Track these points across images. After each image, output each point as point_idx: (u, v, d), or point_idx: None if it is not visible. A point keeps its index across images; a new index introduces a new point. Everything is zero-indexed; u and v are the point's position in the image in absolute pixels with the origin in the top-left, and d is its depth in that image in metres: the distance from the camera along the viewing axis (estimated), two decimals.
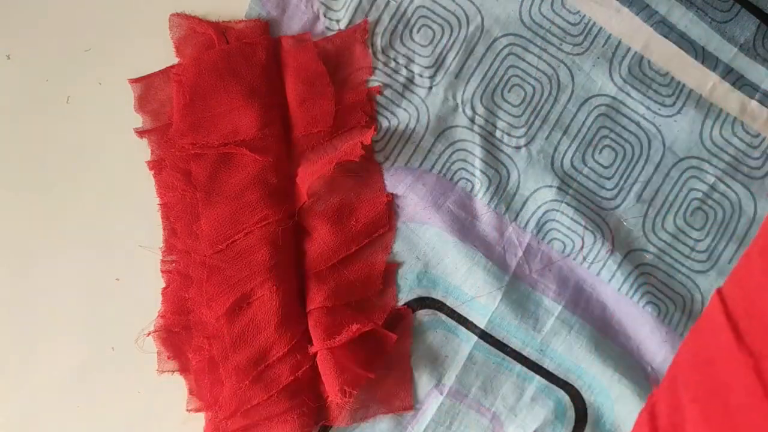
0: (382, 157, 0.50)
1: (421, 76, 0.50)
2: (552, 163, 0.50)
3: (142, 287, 0.49)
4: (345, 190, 0.49)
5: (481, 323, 0.49)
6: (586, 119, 0.50)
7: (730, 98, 0.50)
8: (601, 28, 0.50)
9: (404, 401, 0.48)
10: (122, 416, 0.49)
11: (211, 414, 0.47)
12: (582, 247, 0.50)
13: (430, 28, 0.50)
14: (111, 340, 0.49)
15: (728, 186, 0.50)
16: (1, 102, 0.50)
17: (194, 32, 0.50)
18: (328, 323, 0.47)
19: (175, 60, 0.50)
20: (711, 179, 0.50)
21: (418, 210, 0.50)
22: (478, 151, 0.50)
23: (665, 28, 0.50)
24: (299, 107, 0.49)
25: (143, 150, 0.50)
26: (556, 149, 0.50)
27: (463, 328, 0.49)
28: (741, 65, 0.50)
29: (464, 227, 0.50)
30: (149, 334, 0.48)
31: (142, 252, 0.49)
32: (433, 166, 0.50)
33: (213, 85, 0.48)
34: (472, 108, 0.50)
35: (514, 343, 0.49)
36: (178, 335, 0.48)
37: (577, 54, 0.50)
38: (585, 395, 0.49)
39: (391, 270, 0.49)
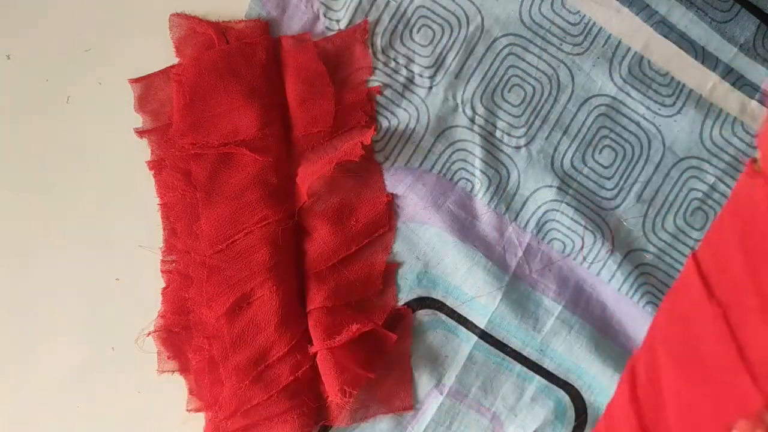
0: (382, 157, 0.50)
1: (421, 76, 0.50)
2: (552, 163, 0.50)
3: (142, 287, 0.49)
4: (345, 190, 0.49)
5: (481, 323, 0.49)
6: (586, 119, 0.50)
7: (730, 98, 0.50)
8: (601, 28, 0.50)
9: (404, 401, 0.49)
10: (122, 416, 0.49)
11: (211, 414, 0.47)
12: (582, 247, 0.50)
13: (430, 28, 0.50)
14: (111, 340, 0.49)
15: (728, 186, 0.50)
16: (1, 102, 0.50)
17: (194, 32, 0.50)
18: (328, 323, 0.47)
19: (175, 60, 0.50)
20: (711, 179, 0.50)
21: (418, 210, 0.50)
22: (478, 151, 0.50)
23: (665, 28, 0.50)
24: (299, 107, 0.49)
25: (143, 150, 0.50)
26: (556, 149, 0.50)
27: (463, 328, 0.49)
28: (741, 65, 0.50)
29: (464, 227, 0.50)
30: (149, 334, 0.48)
31: (142, 252, 0.49)
32: (433, 166, 0.50)
33: (213, 85, 0.48)
34: (472, 108, 0.50)
35: (514, 343, 0.49)
36: (178, 335, 0.48)
37: (577, 54, 0.50)
38: (585, 395, 0.49)
39: (391, 270, 0.49)
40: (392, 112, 0.50)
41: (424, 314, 0.49)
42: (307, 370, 0.47)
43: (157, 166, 0.49)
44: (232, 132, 0.48)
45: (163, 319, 0.48)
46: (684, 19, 0.50)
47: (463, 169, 0.50)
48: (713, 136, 0.50)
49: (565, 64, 0.50)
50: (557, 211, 0.50)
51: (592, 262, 0.50)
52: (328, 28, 0.50)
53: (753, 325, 0.21)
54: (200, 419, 0.48)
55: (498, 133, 0.50)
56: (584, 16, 0.50)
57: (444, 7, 0.50)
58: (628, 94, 0.50)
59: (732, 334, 0.21)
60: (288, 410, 0.46)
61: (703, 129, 0.50)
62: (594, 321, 0.49)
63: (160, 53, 0.49)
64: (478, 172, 0.50)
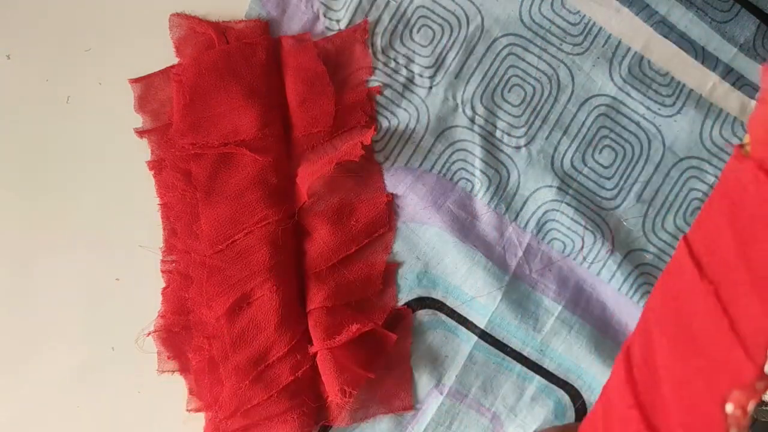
0: (382, 157, 0.50)
1: (421, 76, 0.50)
2: (552, 163, 0.50)
3: (142, 287, 0.49)
4: (345, 190, 0.49)
5: (481, 323, 0.49)
6: (586, 119, 0.50)
7: (730, 98, 0.50)
8: (601, 28, 0.50)
9: (404, 401, 0.48)
10: (122, 416, 0.49)
11: (211, 414, 0.47)
12: (582, 247, 0.50)
13: (430, 28, 0.50)
14: (111, 340, 0.49)
15: None
16: (1, 102, 0.50)
17: (194, 32, 0.50)
18: (328, 323, 0.47)
19: (175, 60, 0.50)
20: (711, 179, 0.50)
21: (418, 210, 0.50)
22: (478, 151, 0.50)
23: (665, 28, 0.50)
24: (299, 107, 0.49)
25: (143, 150, 0.50)
26: (556, 149, 0.50)
27: (463, 328, 0.49)
28: (741, 65, 0.50)
29: (464, 227, 0.50)
30: (149, 334, 0.48)
31: (142, 252, 0.49)
32: (433, 166, 0.50)
33: (213, 85, 0.48)
34: (472, 108, 0.50)
35: (514, 343, 0.49)
36: (178, 335, 0.48)
37: (577, 54, 0.50)
38: (585, 395, 0.49)
39: (391, 270, 0.49)
40: (392, 112, 0.50)
41: (424, 314, 0.49)
42: (307, 370, 0.47)
43: (157, 166, 0.49)
44: (232, 132, 0.48)
45: (163, 319, 0.48)
46: (684, 19, 0.50)
47: (463, 169, 0.50)
48: (713, 136, 0.50)
49: (565, 64, 0.50)
50: (557, 211, 0.50)
51: (592, 262, 0.50)
52: (328, 28, 0.50)
53: (744, 299, 0.21)
54: (200, 419, 0.48)
55: (498, 133, 0.50)
56: (584, 16, 0.50)
57: (444, 7, 0.50)
58: (628, 94, 0.50)
59: (724, 309, 0.21)
60: (288, 410, 0.46)
61: (703, 129, 0.50)
62: (594, 321, 0.49)
63: (160, 53, 0.49)
64: (478, 172, 0.50)
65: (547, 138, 0.50)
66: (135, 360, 0.48)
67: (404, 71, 0.50)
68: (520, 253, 0.50)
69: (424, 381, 0.49)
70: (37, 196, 0.50)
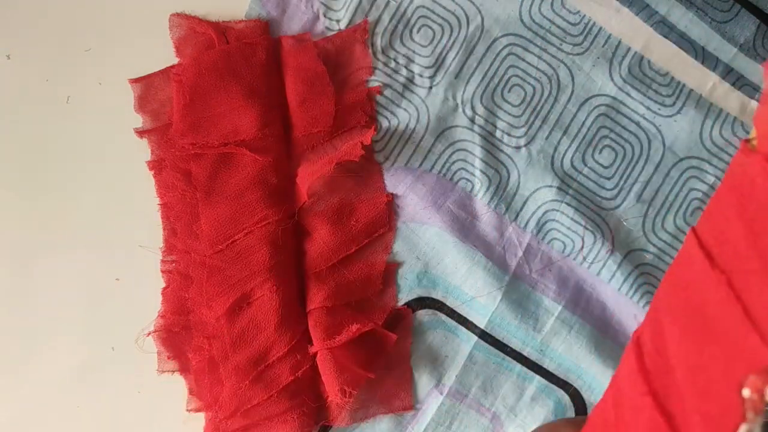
0: (382, 157, 0.50)
1: (421, 76, 0.50)
2: (552, 163, 0.50)
3: (142, 287, 0.49)
4: (345, 190, 0.49)
5: (481, 323, 0.49)
6: (586, 119, 0.50)
7: (730, 98, 0.50)
8: (601, 28, 0.50)
9: (404, 401, 0.48)
10: (122, 416, 0.49)
11: (211, 414, 0.47)
12: (582, 247, 0.50)
13: (430, 28, 0.50)
14: (111, 340, 0.49)
15: None
16: (1, 102, 0.50)
17: (194, 32, 0.50)
18: (328, 323, 0.47)
19: (175, 60, 0.50)
20: (711, 179, 0.50)
21: (418, 210, 0.50)
22: (478, 151, 0.50)
23: (665, 28, 0.50)
24: (299, 107, 0.49)
25: (143, 150, 0.50)
26: (556, 149, 0.50)
27: (463, 328, 0.49)
28: (741, 65, 0.50)
29: (464, 227, 0.50)
30: (149, 334, 0.48)
31: (142, 252, 0.49)
32: (433, 166, 0.50)
33: (213, 85, 0.48)
34: (472, 108, 0.50)
35: (514, 343, 0.49)
36: (178, 335, 0.48)
37: (577, 54, 0.50)
38: (585, 395, 0.49)
39: (391, 270, 0.49)
40: (392, 112, 0.50)
41: (424, 314, 0.49)
42: (307, 370, 0.47)
43: (157, 166, 0.49)
44: (232, 132, 0.48)
45: (163, 319, 0.48)
46: (684, 19, 0.50)
47: (463, 169, 0.50)
48: (713, 136, 0.50)
49: (565, 64, 0.50)
50: (557, 211, 0.50)
51: (592, 262, 0.50)
52: (328, 28, 0.50)
53: (757, 286, 0.22)
54: (200, 419, 0.48)
55: (498, 133, 0.50)
56: (584, 16, 0.50)
57: (444, 7, 0.50)
58: (628, 94, 0.50)
59: (737, 297, 0.22)
60: (288, 410, 0.46)
61: (703, 129, 0.50)
62: (594, 321, 0.49)
63: (160, 53, 0.49)
64: (478, 172, 0.50)
65: (547, 138, 0.50)
66: (135, 360, 0.48)
67: (404, 71, 0.50)
68: (520, 253, 0.50)
69: (424, 381, 0.49)
70: (37, 196, 0.50)
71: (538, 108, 0.50)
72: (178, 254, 0.49)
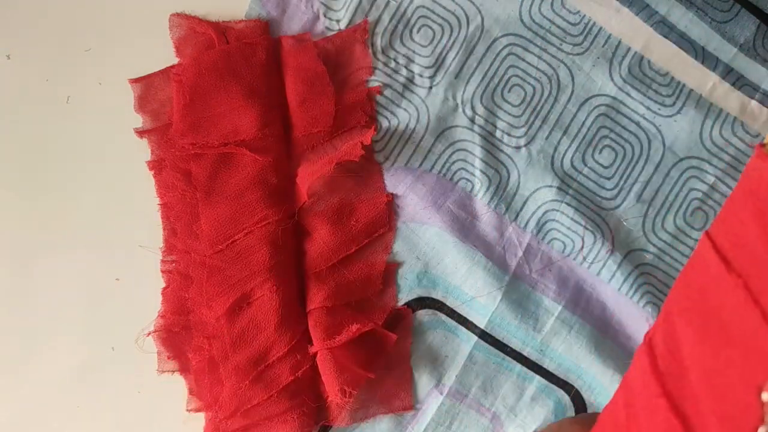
0: (382, 157, 0.50)
1: (421, 76, 0.50)
2: (552, 163, 0.50)
3: (142, 287, 0.49)
4: (345, 190, 0.49)
5: (481, 323, 0.49)
6: (586, 119, 0.50)
7: (730, 98, 0.50)
8: (601, 28, 0.50)
9: (404, 401, 0.48)
10: (122, 416, 0.49)
11: (211, 414, 0.47)
12: (582, 247, 0.50)
13: (430, 28, 0.50)
14: (111, 340, 0.49)
15: (728, 186, 0.50)
16: (1, 102, 0.50)
17: (194, 32, 0.50)
18: (328, 323, 0.47)
19: (175, 60, 0.50)
20: (711, 179, 0.50)
21: (418, 210, 0.50)
22: (478, 151, 0.50)
23: (665, 28, 0.50)
24: (299, 107, 0.49)
25: (143, 150, 0.50)
26: (556, 149, 0.50)
27: (463, 328, 0.49)
28: (741, 65, 0.50)
29: (464, 227, 0.50)
30: (149, 334, 0.48)
31: (142, 252, 0.49)
32: (433, 166, 0.50)
33: (213, 85, 0.48)
34: (472, 108, 0.50)
35: (514, 343, 0.49)
36: (178, 335, 0.48)
37: (577, 54, 0.50)
38: (585, 395, 0.49)
39: (391, 270, 0.49)
40: (392, 112, 0.50)
41: (424, 314, 0.49)
42: (307, 370, 0.47)
43: (157, 166, 0.49)
44: (232, 132, 0.48)
45: (163, 319, 0.48)
46: (684, 19, 0.50)
47: (463, 169, 0.50)
48: (713, 136, 0.50)
49: (565, 64, 0.50)
50: (557, 211, 0.50)
51: (592, 262, 0.50)
52: (328, 28, 0.50)
53: None
54: (200, 419, 0.48)
55: (498, 133, 0.50)
56: (584, 16, 0.50)
57: (444, 7, 0.50)
58: (628, 94, 0.50)
59: (755, 301, 0.22)
60: (288, 410, 0.46)
61: (703, 129, 0.50)
62: (594, 321, 0.49)
63: (160, 53, 0.49)
64: (478, 172, 0.50)
65: (547, 138, 0.50)
66: (135, 360, 0.48)
67: (404, 71, 0.50)
68: (520, 253, 0.50)
69: (424, 381, 0.49)
70: (37, 196, 0.50)
71: (538, 108, 0.50)
72: (178, 254, 0.49)
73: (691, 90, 0.50)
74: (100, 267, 0.49)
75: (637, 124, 0.50)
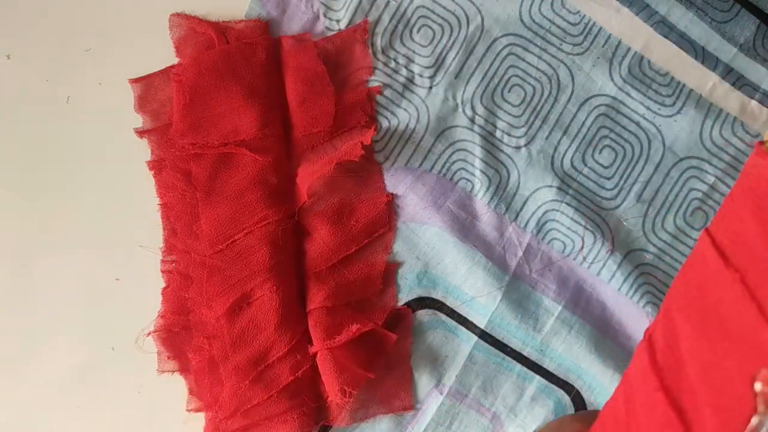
0: (382, 157, 0.50)
1: (421, 76, 0.50)
2: (552, 163, 0.50)
3: (142, 287, 0.49)
4: (345, 190, 0.49)
5: (481, 323, 0.49)
6: (586, 119, 0.50)
7: (730, 98, 0.50)
8: (601, 28, 0.50)
9: (404, 401, 0.48)
10: (122, 416, 0.49)
11: (211, 414, 0.47)
12: (582, 247, 0.50)
13: (430, 28, 0.50)
14: (111, 340, 0.49)
15: (728, 186, 0.50)
16: (1, 102, 0.50)
17: (194, 32, 0.50)
18: (328, 323, 0.47)
19: (175, 60, 0.50)
20: (711, 179, 0.50)
21: (418, 210, 0.50)
22: (478, 151, 0.50)
23: (665, 28, 0.50)
24: (299, 107, 0.49)
25: (143, 150, 0.50)
26: (556, 149, 0.50)
27: (463, 328, 0.49)
28: (741, 65, 0.50)
29: (464, 227, 0.50)
30: (149, 334, 0.48)
31: (142, 252, 0.49)
32: (433, 166, 0.50)
33: (213, 85, 0.48)
34: (472, 108, 0.50)
35: (514, 343, 0.49)
36: (178, 335, 0.48)
37: (577, 54, 0.50)
38: (585, 395, 0.49)
39: (391, 270, 0.49)
40: (392, 112, 0.50)
41: (424, 314, 0.49)
42: (307, 370, 0.47)
43: (157, 166, 0.49)
44: (232, 132, 0.48)
45: (163, 319, 0.48)
46: (684, 19, 0.50)
47: (463, 169, 0.50)
48: (713, 136, 0.50)
49: (565, 64, 0.50)
50: (557, 211, 0.50)
51: (592, 262, 0.50)
52: (328, 28, 0.50)
53: None
54: (200, 419, 0.48)
55: (498, 133, 0.50)
56: (584, 16, 0.50)
57: (444, 7, 0.50)
58: (628, 94, 0.50)
59: (751, 295, 0.22)
60: (288, 410, 0.46)
61: (703, 129, 0.50)
62: (594, 321, 0.49)
63: (160, 53, 0.49)
64: (478, 172, 0.50)
65: (547, 138, 0.50)
66: (135, 360, 0.48)
67: (404, 71, 0.50)
68: (520, 253, 0.50)
69: (424, 381, 0.49)
70: (37, 196, 0.50)
71: (538, 108, 0.50)
72: (178, 254, 0.49)
73: (691, 90, 0.50)
74: (100, 267, 0.49)
75: (637, 124, 0.50)
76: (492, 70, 0.50)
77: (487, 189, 0.50)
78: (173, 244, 0.49)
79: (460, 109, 0.50)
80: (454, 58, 0.50)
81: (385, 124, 0.50)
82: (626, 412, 0.28)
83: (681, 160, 0.50)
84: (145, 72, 0.50)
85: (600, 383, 0.49)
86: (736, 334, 0.22)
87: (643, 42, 0.50)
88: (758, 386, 0.21)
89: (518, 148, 0.50)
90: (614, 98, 0.50)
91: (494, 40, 0.50)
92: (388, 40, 0.50)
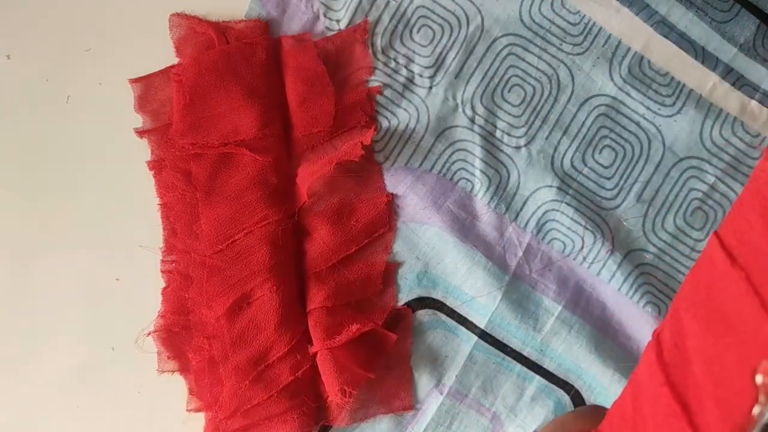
0: (382, 157, 0.50)
1: (421, 76, 0.50)
2: (552, 163, 0.50)
3: (142, 287, 0.49)
4: (345, 190, 0.49)
5: (481, 323, 0.49)
6: (586, 119, 0.50)
7: (730, 98, 0.50)
8: (601, 28, 0.50)
9: (404, 401, 0.49)
10: (122, 416, 0.49)
11: (211, 414, 0.47)
12: (582, 247, 0.50)
13: (430, 28, 0.50)
14: (111, 340, 0.49)
15: (728, 186, 0.50)
16: (1, 102, 0.50)
17: (194, 32, 0.50)
18: (328, 323, 0.47)
19: (175, 60, 0.50)
20: (711, 179, 0.50)
21: (418, 210, 0.50)
22: (478, 151, 0.50)
23: (665, 28, 0.50)
24: (299, 107, 0.49)
25: (143, 150, 0.50)
26: (556, 149, 0.50)
27: (463, 328, 0.49)
28: (741, 65, 0.50)
29: (464, 227, 0.50)
30: (149, 334, 0.48)
31: (142, 252, 0.49)
32: (433, 166, 0.50)
33: (213, 85, 0.48)
34: (472, 108, 0.50)
35: (514, 343, 0.49)
36: (178, 335, 0.48)
37: (577, 54, 0.50)
38: (585, 395, 0.49)
39: (391, 270, 0.49)
40: (392, 112, 0.50)
41: (424, 314, 0.49)
42: (307, 370, 0.47)
43: (157, 166, 0.49)
44: (232, 132, 0.48)
45: (163, 319, 0.48)
46: (684, 19, 0.50)
47: (463, 169, 0.50)
48: (713, 136, 0.50)
49: (565, 64, 0.50)
50: (557, 211, 0.50)
51: (592, 262, 0.50)
52: (328, 28, 0.50)
53: None
54: (200, 419, 0.48)
55: (498, 133, 0.50)
56: (584, 16, 0.50)
57: (444, 7, 0.50)
58: (628, 94, 0.50)
59: (755, 291, 0.23)
60: (288, 410, 0.46)
61: (703, 129, 0.50)
62: (594, 321, 0.49)
63: (160, 53, 0.49)
64: (478, 172, 0.50)
65: (547, 138, 0.50)
66: (135, 360, 0.48)
67: (404, 71, 0.50)
68: (520, 253, 0.50)
69: (424, 381, 0.49)
70: (37, 196, 0.50)
71: (538, 108, 0.50)
72: (178, 254, 0.49)
73: (691, 90, 0.50)
74: (100, 267, 0.49)
75: (637, 124, 0.50)
76: (492, 70, 0.50)
77: (487, 189, 0.50)
78: (173, 244, 0.49)
79: (460, 109, 0.50)
80: (454, 58, 0.50)
81: (385, 124, 0.50)
82: (633, 408, 0.28)
83: (681, 160, 0.50)
84: (145, 72, 0.50)
85: (600, 383, 0.49)
86: (738, 328, 0.23)
87: (643, 42, 0.50)
88: (759, 379, 0.21)
89: (518, 148, 0.50)
90: (614, 98, 0.50)
91: (494, 40, 0.50)
92: (388, 40, 0.50)
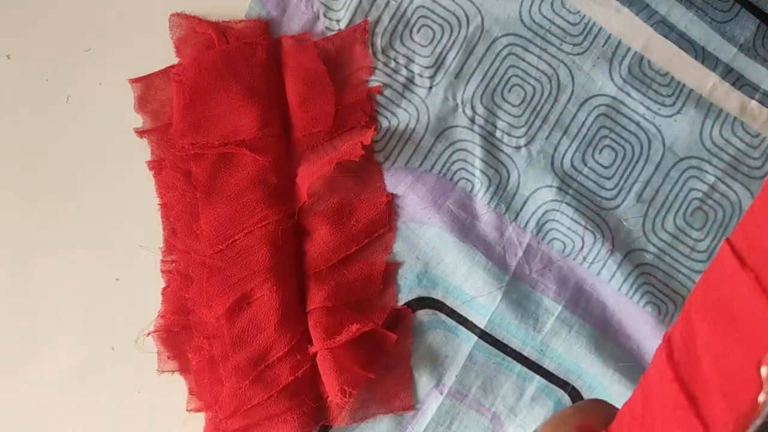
0: (382, 157, 0.50)
1: (421, 76, 0.50)
2: (552, 163, 0.50)
3: (142, 287, 0.49)
4: (345, 190, 0.49)
5: (481, 323, 0.49)
6: (586, 119, 0.50)
7: (730, 98, 0.50)
8: (601, 28, 0.50)
9: (404, 401, 0.48)
10: (122, 416, 0.49)
11: (211, 414, 0.47)
12: (582, 247, 0.50)
13: (430, 28, 0.50)
14: (111, 340, 0.49)
15: (728, 186, 0.50)
16: (1, 102, 0.50)
17: (194, 32, 0.50)
18: (328, 323, 0.47)
19: (175, 60, 0.50)
20: (711, 179, 0.50)
21: (418, 210, 0.50)
22: (478, 151, 0.50)
23: (665, 28, 0.50)
24: (299, 107, 0.49)
25: (143, 150, 0.50)
26: (556, 149, 0.50)
27: (463, 328, 0.49)
28: (741, 65, 0.50)
29: (464, 227, 0.50)
30: (149, 334, 0.48)
31: (142, 252, 0.49)
32: (433, 166, 0.50)
33: (213, 85, 0.48)
34: (472, 108, 0.50)
35: (514, 343, 0.49)
36: (178, 335, 0.48)
37: (577, 54, 0.50)
38: (585, 395, 0.49)
39: (391, 270, 0.49)
40: (392, 112, 0.50)
41: (424, 314, 0.49)
42: (307, 370, 0.47)
43: (157, 166, 0.49)
44: (232, 132, 0.48)
45: (163, 319, 0.48)
46: (684, 19, 0.50)
47: (463, 169, 0.50)
48: (713, 136, 0.50)
49: (565, 64, 0.50)
50: (557, 211, 0.50)
51: (592, 262, 0.50)
52: (328, 28, 0.50)
53: None
54: (200, 419, 0.48)
55: (498, 133, 0.50)
56: (584, 16, 0.50)
57: (444, 7, 0.50)
58: (628, 94, 0.50)
59: (763, 290, 0.24)
60: (288, 410, 0.46)
61: (703, 129, 0.50)
62: (594, 321, 0.49)
63: (160, 53, 0.49)
64: (478, 172, 0.50)
65: (547, 138, 0.50)
66: (135, 360, 0.48)
67: (404, 71, 0.50)
68: (520, 253, 0.50)
69: (424, 381, 0.49)
70: (37, 196, 0.50)
71: (538, 108, 0.50)
72: (178, 254, 0.49)
73: (691, 90, 0.50)
74: (100, 267, 0.49)
75: (637, 124, 0.50)
76: (492, 70, 0.50)
77: (487, 189, 0.50)
78: (173, 244, 0.49)
79: (460, 109, 0.50)
80: (454, 58, 0.50)
81: (385, 124, 0.50)
82: (643, 407, 0.29)
83: (681, 160, 0.50)
84: (145, 72, 0.50)
85: (600, 383, 0.49)
86: (746, 325, 0.24)
87: (643, 42, 0.50)
88: (764, 371, 0.22)
89: (518, 148, 0.50)
90: (614, 98, 0.50)
91: (494, 40, 0.50)
92: (388, 40, 0.50)
